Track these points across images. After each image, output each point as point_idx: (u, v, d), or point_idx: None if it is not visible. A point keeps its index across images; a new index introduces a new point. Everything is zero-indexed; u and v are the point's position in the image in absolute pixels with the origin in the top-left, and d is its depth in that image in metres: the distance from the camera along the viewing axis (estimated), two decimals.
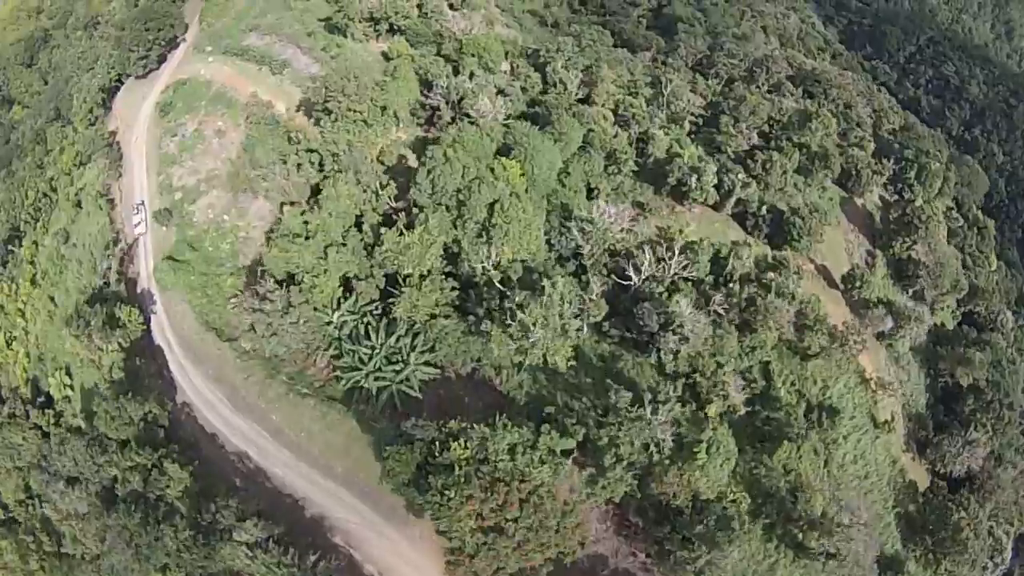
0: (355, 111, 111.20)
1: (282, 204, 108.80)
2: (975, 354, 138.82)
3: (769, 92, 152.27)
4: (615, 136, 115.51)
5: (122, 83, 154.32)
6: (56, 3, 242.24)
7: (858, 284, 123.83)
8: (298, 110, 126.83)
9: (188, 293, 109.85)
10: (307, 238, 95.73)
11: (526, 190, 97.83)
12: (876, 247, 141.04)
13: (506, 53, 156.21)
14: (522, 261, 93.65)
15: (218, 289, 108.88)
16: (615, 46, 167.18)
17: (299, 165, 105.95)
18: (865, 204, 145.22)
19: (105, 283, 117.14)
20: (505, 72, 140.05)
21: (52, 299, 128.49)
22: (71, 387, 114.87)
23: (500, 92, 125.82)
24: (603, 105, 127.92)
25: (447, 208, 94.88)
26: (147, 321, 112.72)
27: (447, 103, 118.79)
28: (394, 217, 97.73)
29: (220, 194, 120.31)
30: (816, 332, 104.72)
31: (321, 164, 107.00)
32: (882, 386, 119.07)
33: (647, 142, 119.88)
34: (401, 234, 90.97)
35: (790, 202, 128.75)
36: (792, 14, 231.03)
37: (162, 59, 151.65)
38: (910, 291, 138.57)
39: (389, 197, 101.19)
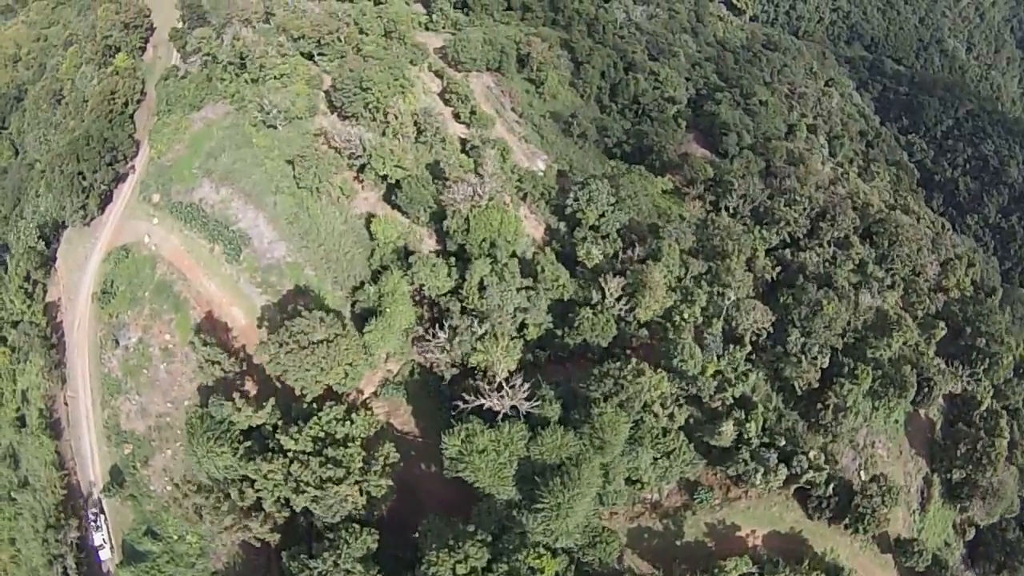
0: (322, 381, 67.94)
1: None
2: None
3: (834, 253, 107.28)
4: (669, 420, 72.35)
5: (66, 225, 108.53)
6: (32, 52, 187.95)
7: (914, 559, 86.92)
8: (259, 326, 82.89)
9: None
10: None
11: None
12: (933, 468, 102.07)
13: (524, 195, 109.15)
14: None
15: None
16: (654, 171, 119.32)
17: (256, 491, 64.07)
18: (928, 413, 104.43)
19: None
20: (526, 249, 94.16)
21: (12, 542, 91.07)
22: None
23: (519, 310, 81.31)
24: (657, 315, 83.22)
25: None
26: None
27: (447, 353, 74.79)
28: None
29: (176, 454, 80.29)
30: None
31: (283, 502, 64.93)
32: None
33: (703, 408, 77.17)
34: None
35: (857, 449, 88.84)
36: (834, 92, 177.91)
37: (107, 199, 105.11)
38: (958, 507, 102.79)
39: None
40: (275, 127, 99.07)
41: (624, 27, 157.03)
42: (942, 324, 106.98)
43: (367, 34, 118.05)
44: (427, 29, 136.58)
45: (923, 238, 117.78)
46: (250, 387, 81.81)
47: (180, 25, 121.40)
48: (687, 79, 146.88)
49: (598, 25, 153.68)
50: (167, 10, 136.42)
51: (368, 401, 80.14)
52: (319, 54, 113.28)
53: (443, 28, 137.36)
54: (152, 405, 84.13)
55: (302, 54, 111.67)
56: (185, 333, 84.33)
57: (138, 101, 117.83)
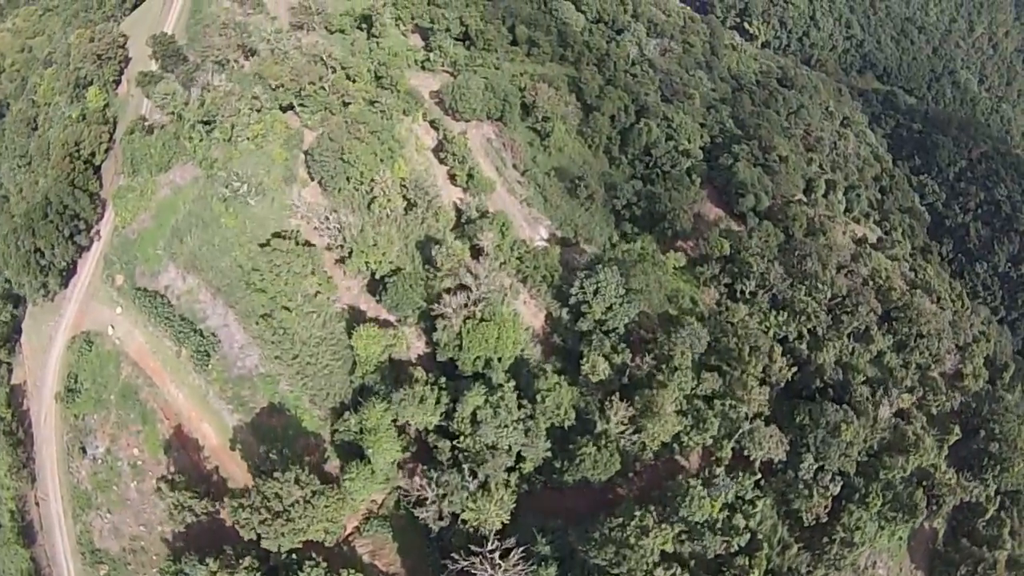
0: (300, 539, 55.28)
1: None
2: None
3: (853, 348, 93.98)
4: None
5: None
6: (16, 64, 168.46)
7: None
8: (232, 448, 69.56)
9: None
10: None
11: None
12: None
13: (525, 279, 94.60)
14: None
15: None
16: (666, 240, 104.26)
17: None
18: (932, 523, 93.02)
19: None
20: (525, 347, 79.97)
21: None
22: None
23: (515, 444, 67.95)
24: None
25: None
26: None
27: (437, 509, 61.89)
28: None
29: None
30: None
31: None
32: None
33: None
34: None
35: (858, 572, 79.32)
36: (850, 134, 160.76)
37: (70, 271, 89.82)
38: None
39: None
40: (247, 203, 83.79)
41: (637, 64, 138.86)
42: (956, 429, 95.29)
43: (355, 80, 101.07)
44: (423, 68, 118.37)
45: (944, 327, 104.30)
46: (225, 517, 68.90)
47: (152, 65, 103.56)
48: (702, 124, 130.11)
49: (609, 61, 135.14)
50: (144, 40, 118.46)
51: (351, 538, 67.77)
52: (300, 105, 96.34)
53: (441, 67, 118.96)
54: (124, 526, 72.43)
55: (281, 107, 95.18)
56: (154, 449, 71.74)
57: (106, 150, 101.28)
